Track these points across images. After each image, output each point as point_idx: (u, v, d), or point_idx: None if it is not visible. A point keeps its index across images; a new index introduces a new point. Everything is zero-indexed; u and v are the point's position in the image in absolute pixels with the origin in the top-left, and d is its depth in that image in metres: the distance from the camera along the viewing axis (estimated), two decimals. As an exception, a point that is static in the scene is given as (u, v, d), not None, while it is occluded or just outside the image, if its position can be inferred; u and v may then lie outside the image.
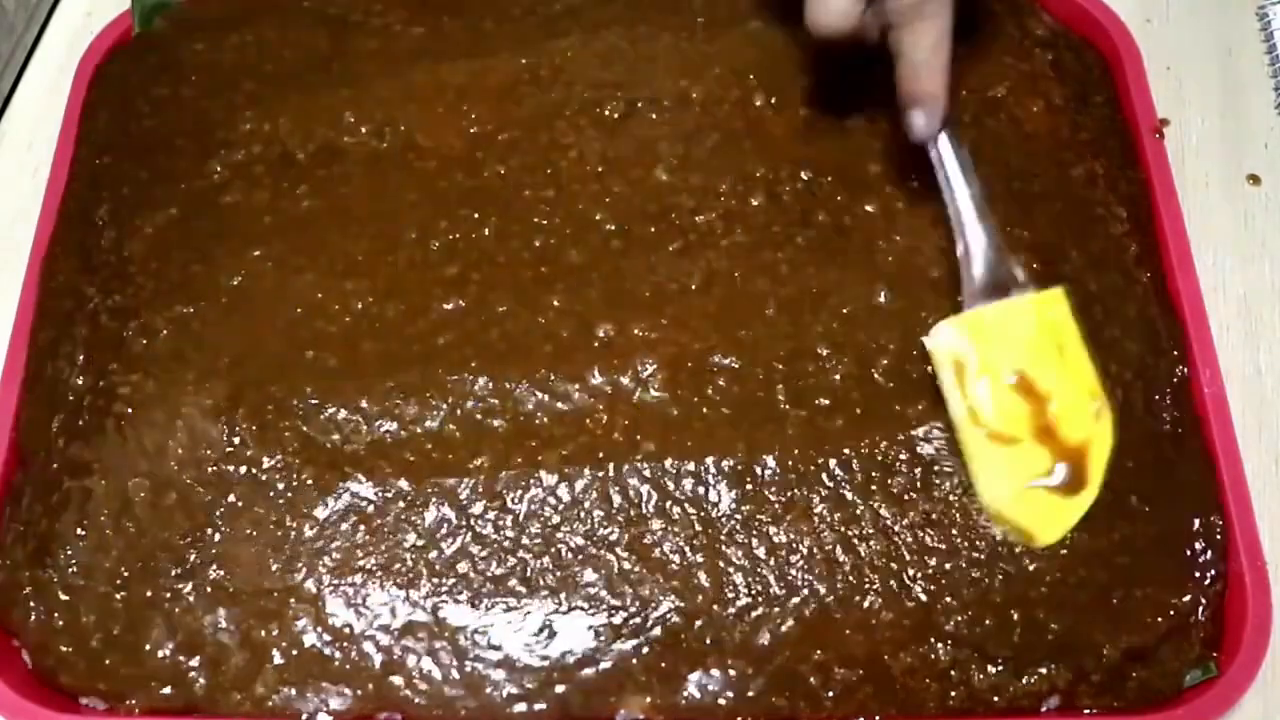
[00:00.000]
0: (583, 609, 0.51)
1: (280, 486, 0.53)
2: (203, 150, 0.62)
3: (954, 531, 0.52)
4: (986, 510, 0.52)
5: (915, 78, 0.51)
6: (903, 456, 0.53)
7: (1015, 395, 0.51)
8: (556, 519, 0.53)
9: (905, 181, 0.59)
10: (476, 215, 0.59)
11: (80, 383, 0.56)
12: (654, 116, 0.62)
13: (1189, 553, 0.53)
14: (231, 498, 0.53)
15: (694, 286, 0.57)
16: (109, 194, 0.62)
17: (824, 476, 0.53)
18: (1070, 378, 0.51)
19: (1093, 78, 0.65)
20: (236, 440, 0.54)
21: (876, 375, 0.54)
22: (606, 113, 0.62)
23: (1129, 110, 0.64)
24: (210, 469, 0.53)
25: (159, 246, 0.59)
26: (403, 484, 0.53)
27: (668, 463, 0.53)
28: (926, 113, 0.51)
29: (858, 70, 0.62)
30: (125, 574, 0.52)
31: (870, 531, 0.52)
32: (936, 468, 0.53)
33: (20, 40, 0.72)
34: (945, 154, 0.53)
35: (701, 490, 0.53)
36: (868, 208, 0.58)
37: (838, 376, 0.54)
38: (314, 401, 0.54)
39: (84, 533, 0.53)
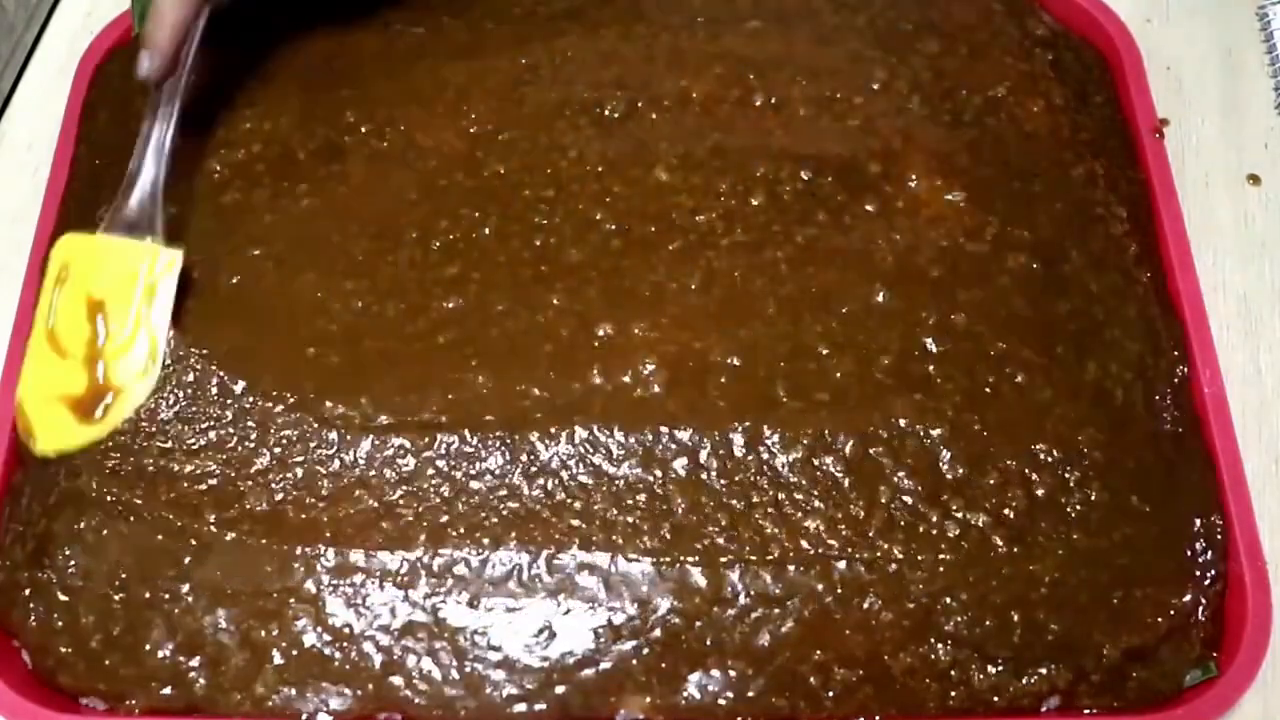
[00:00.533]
0: (582, 609, 0.51)
1: (280, 485, 0.53)
2: (202, 149, 0.62)
3: (954, 532, 0.52)
4: (16, 399, 0.55)
5: (152, 23, 0.56)
6: (903, 456, 0.53)
7: (85, 317, 0.54)
8: (554, 519, 0.53)
9: (905, 182, 0.59)
10: (477, 215, 0.59)
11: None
12: (654, 116, 0.62)
13: (1189, 553, 0.53)
14: (231, 497, 0.53)
15: (694, 286, 0.57)
16: (109, 194, 0.62)
17: (824, 475, 0.53)
18: (140, 329, 0.54)
19: (1093, 78, 0.65)
20: (236, 438, 0.54)
21: (877, 374, 0.54)
22: (606, 113, 0.62)
23: (1129, 110, 0.64)
24: (209, 466, 0.54)
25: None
26: (403, 482, 0.53)
27: (669, 467, 0.53)
28: (149, 56, 0.56)
29: (857, 70, 0.63)
30: (124, 574, 0.52)
31: (870, 532, 0.52)
32: (937, 467, 0.53)
33: (20, 40, 0.72)
34: (158, 101, 0.57)
35: (700, 491, 0.53)
36: (868, 207, 0.58)
37: (839, 374, 0.54)
38: (313, 397, 0.54)
39: (82, 533, 0.53)
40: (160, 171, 0.57)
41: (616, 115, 0.62)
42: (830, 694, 0.50)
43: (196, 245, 0.58)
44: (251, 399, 0.54)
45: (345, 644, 0.51)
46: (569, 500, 0.53)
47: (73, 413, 0.54)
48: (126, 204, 0.56)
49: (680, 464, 0.53)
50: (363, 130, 0.62)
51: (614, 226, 0.58)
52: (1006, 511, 0.52)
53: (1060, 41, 0.66)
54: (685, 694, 0.50)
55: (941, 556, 0.51)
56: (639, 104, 0.62)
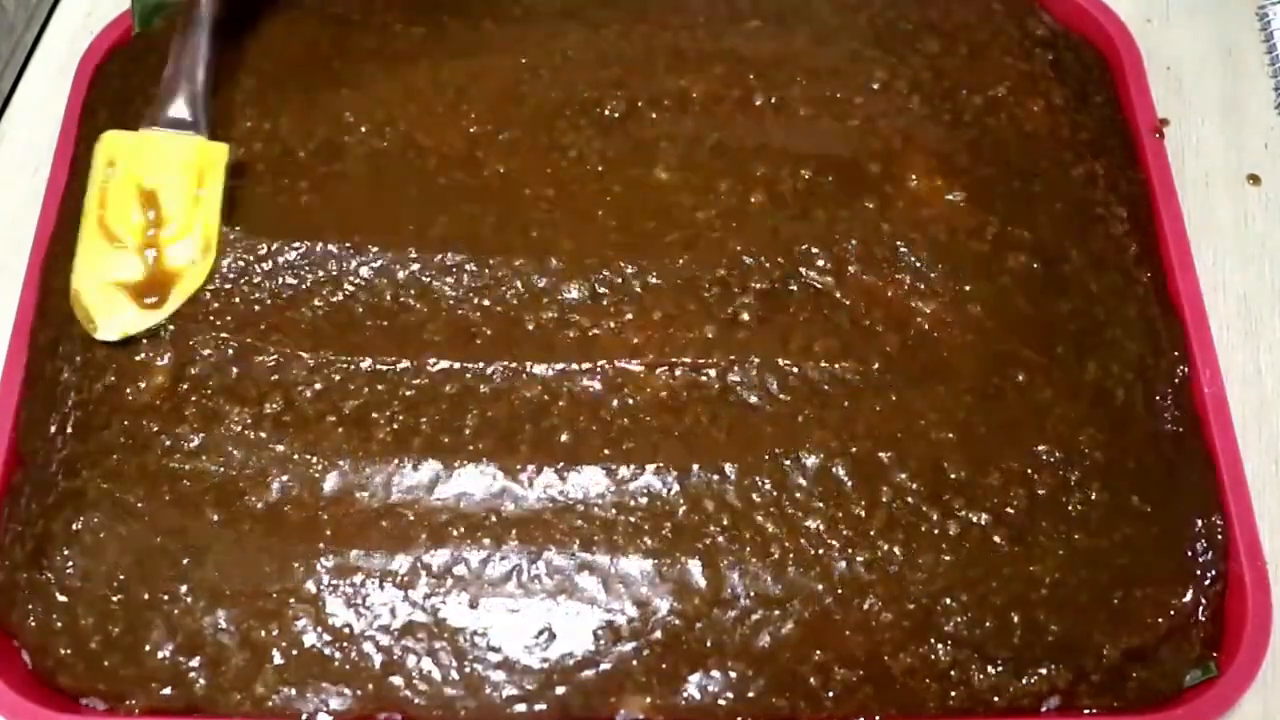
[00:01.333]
0: (582, 609, 0.51)
1: (280, 483, 0.53)
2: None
3: (954, 531, 0.52)
4: (72, 290, 0.56)
5: None
6: (904, 455, 0.53)
7: (137, 207, 0.56)
8: (555, 519, 0.53)
9: (905, 181, 0.59)
10: (476, 213, 0.59)
11: (77, 382, 0.56)
12: (654, 116, 0.62)
13: (1189, 553, 0.53)
14: (231, 496, 0.53)
15: (697, 275, 0.57)
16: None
17: (826, 475, 0.53)
18: (195, 218, 0.57)
19: (1093, 78, 0.65)
20: (235, 437, 0.54)
21: (876, 370, 0.54)
22: (606, 112, 0.62)
23: (1129, 110, 0.64)
24: (208, 466, 0.54)
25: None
26: (401, 477, 0.53)
27: (668, 464, 0.53)
28: None
29: (857, 70, 0.63)
30: (123, 575, 0.52)
31: (870, 531, 0.52)
32: (939, 467, 0.53)
33: (20, 40, 0.72)
34: (197, 13, 0.60)
35: (701, 491, 0.53)
36: (868, 206, 0.58)
37: (840, 374, 0.54)
38: (319, 387, 0.55)
39: (81, 533, 0.53)
40: (206, 74, 0.59)
41: (616, 115, 0.62)
42: (830, 694, 0.50)
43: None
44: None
45: (345, 644, 0.51)
46: (569, 500, 0.53)
47: (132, 298, 0.55)
48: (172, 102, 0.59)
49: (681, 464, 0.53)
50: (362, 130, 0.62)
51: (614, 224, 0.58)
52: (1009, 510, 0.52)
53: (1060, 41, 0.66)
54: (685, 694, 0.50)
55: (942, 557, 0.51)
56: (639, 104, 0.62)
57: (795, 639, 0.51)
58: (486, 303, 0.57)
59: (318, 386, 0.55)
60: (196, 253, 0.56)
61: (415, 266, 0.57)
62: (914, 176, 0.59)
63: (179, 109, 0.59)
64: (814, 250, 0.57)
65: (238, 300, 0.57)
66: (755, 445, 0.53)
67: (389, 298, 0.57)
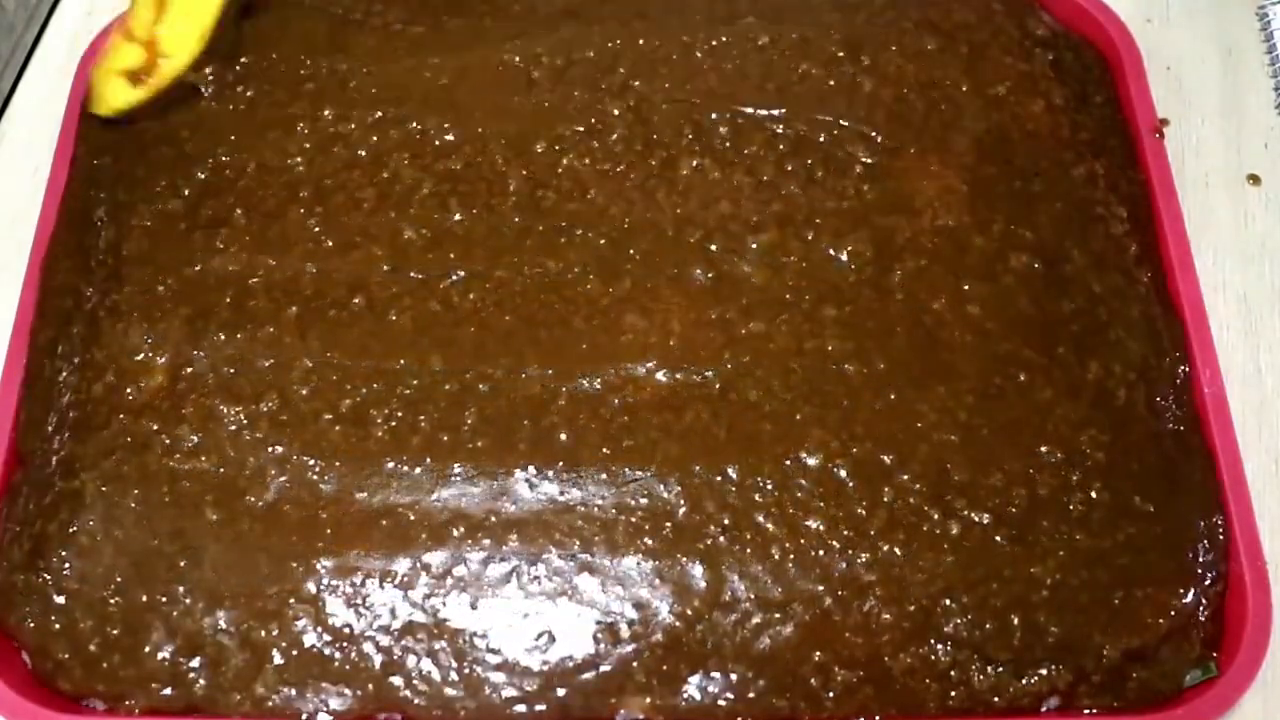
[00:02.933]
0: (582, 610, 0.51)
1: (279, 483, 0.53)
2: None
3: (955, 531, 0.52)
4: (89, 77, 0.64)
5: None
6: (905, 455, 0.53)
7: (152, 8, 0.64)
8: (555, 519, 0.53)
9: (905, 179, 0.59)
10: (475, 211, 0.59)
11: (75, 382, 0.56)
12: (654, 114, 0.62)
13: (1190, 553, 0.53)
14: (229, 496, 0.53)
15: (699, 284, 0.57)
16: (107, 193, 0.62)
17: (827, 475, 0.53)
18: (192, 14, 0.64)
19: (1093, 78, 0.65)
20: (233, 436, 0.54)
21: (878, 370, 0.55)
22: (607, 110, 0.62)
23: (1129, 110, 0.64)
24: (207, 466, 0.54)
25: (156, 245, 0.59)
26: (400, 477, 0.53)
27: (668, 463, 0.53)
28: None
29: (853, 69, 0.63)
30: (122, 576, 0.52)
31: (871, 532, 0.52)
32: (941, 467, 0.53)
33: (20, 40, 0.72)
34: None
35: (701, 491, 0.53)
36: (864, 186, 0.59)
37: (844, 375, 0.54)
38: (321, 379, 0.55)
39: (77, 535, 0.53)
40: None
41: (617, 112, 0.62)
42: (830, 694, 0.50)
43: (195, 243, 0.59)
44: None
45: (345, 644, 0.51)
46: (569, 500, 0.53)
47: (127, 81, 0.63)
48: None
49: (681, 463, 0.53)
50: (362, 129, 0.62)
51: (615, 219, 0.58)
52: (1010, 510, 0.52)
53: (1060, 41, 0.66)
54: (685, 695, 0.50)
55: (943, 557, 0.51)
56: (639, 102, 0.62)
57: (796, 640, 0.51)
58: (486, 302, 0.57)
59: (315, 385, 0.55)
60: (187, 41, 0.63)
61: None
62: (914, 176, 0.59)
63: None
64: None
65: (234, 298, 0.57)
66: (756, 444, 0.53)
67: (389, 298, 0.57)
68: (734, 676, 0.50)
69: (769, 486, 0.53)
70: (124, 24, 0.65)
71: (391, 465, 0.53)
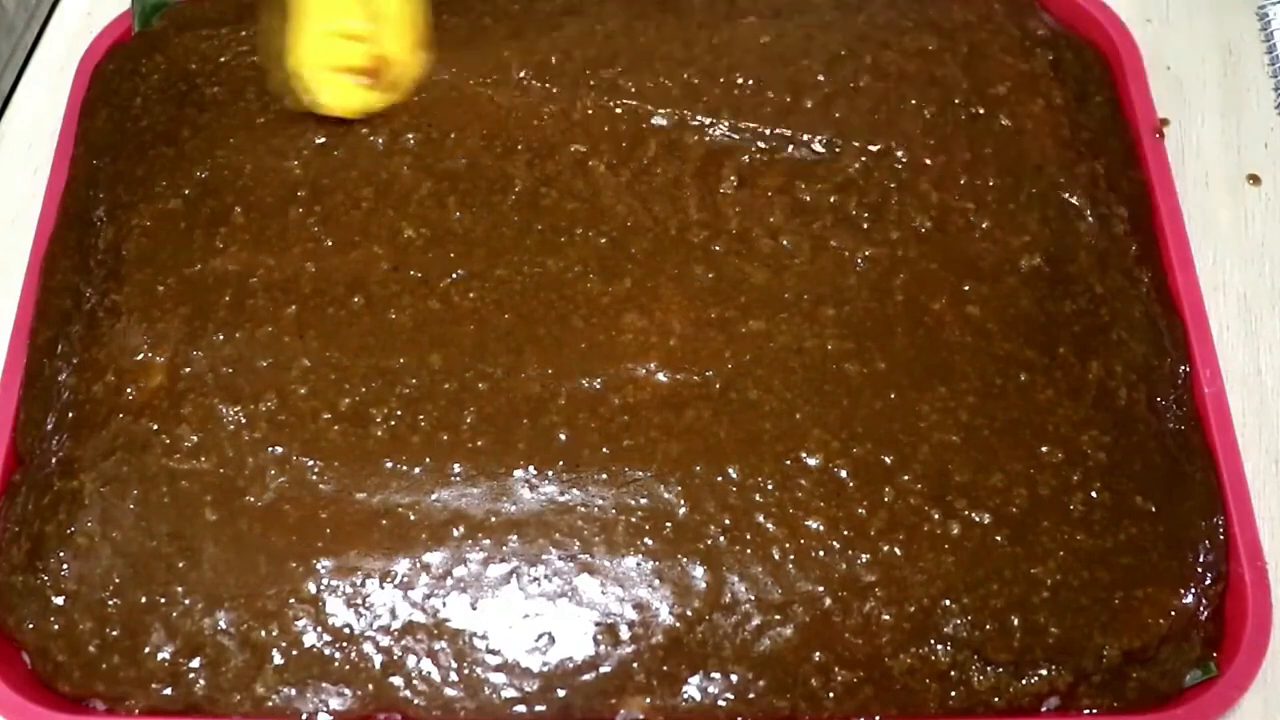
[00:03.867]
0: (583, 610, 0.51)
1: (278, 482, 0.53)
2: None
3: (956, 533, 0.52)
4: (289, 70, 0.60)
5: None
6: (906, 455, 0.53)
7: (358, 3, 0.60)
8: (555, 519, 0.53)
9: (905, 179, 0.59)
10: (475, 210, 0.59)
11: (74, 382, 0.56)
12: (654, 113, 0.62)
13: (1190, 553, 0.53)
14: (228, 495, 0.53)
15: (700, 283, 0.57)
16: (107, 193, 0.62)
17: (828, 475, 0.53)
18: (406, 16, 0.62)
19: (1093, 78, 0.65)
20: (232, 436, 0.54)
21: (878, 370, 0.55)
22: (607, 109, 0.62)
23: (1129, 110, 0.64)
24: (206, 466, 0.54)
25: (156, 245, 0.59)
26: (400, 476, 0.53)
27: (668, 462, 0.53)
28: None
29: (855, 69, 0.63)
30: (121, 577, 0.52)
31: (872, 532, 0.52)
32: (942, 468, 0.53)
33: (20, 40, 0.72)
34: None
35: (701, 490, 0.53)
36: (865, 186, 0.59)
37: (845, 375, 0.54)
38: (320, 378, 0.55)
39: (75, 536, 0.53)
40: None
41: (618, 110, 0.62)
42: (830, 695, 0.50)
43: (194, 243, 0.58)
44: None
45: (345, 644, 0.51)
46: (569, 500, 0.53)
47: (353, 79, 0.60)
48: None
49: (681, 463, 0.53)
50: (361, 129, 0.62)
51: (617, 214, 0.59)
52: (1011, 510, 0.52)
53: (1060, 41, 0.66)
54: (686, 695, 0.50)
55: (943, 557, 0.51)
56: (640, 101, 0.62)
57: (796, 640, 0.51)
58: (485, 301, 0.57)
59: (314, 384, 0.55)
60: (414, 45, 0.61)
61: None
62: (914, 176, 0.59)
63: None
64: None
65: (234, 298, 0.57)
66: (756, 444, 0.53)
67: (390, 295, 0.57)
68: (734, 677, 0.50)
69: (769, 486, 0.53)
70: (328, 20, 0.60)
71: (391, 465, 0.53)
